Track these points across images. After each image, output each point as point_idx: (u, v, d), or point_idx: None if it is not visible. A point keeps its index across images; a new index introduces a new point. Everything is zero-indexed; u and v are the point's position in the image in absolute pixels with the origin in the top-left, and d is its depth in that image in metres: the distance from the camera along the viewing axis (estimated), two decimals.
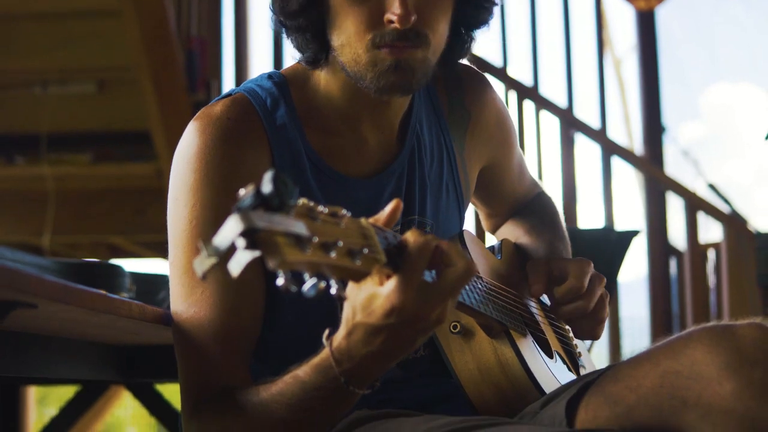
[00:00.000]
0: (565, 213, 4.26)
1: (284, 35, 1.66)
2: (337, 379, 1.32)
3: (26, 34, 4.25)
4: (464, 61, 1.82)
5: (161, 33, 3.91)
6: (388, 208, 1.28)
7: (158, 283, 2.58)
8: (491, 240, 2.04)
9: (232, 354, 1.54)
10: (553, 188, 4.36)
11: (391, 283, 1.22)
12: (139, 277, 2.56)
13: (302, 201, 1.10)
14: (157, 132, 4.07)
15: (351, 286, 1.26)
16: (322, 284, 1.11)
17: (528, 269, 1.77)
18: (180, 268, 1.56)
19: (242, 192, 1.04)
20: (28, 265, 2.20)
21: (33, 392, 4.25)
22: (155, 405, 3.01)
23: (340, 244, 1.10)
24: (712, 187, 4.84)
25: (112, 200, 4.49)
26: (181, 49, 4.10)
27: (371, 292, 1.24)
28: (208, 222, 1.54)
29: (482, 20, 1.69)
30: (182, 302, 1.55)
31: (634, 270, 5.14)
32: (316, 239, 1.07)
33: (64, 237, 4.43)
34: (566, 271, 1.73)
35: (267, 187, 1.03)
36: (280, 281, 1.06)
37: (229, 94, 1.66)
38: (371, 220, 1.23)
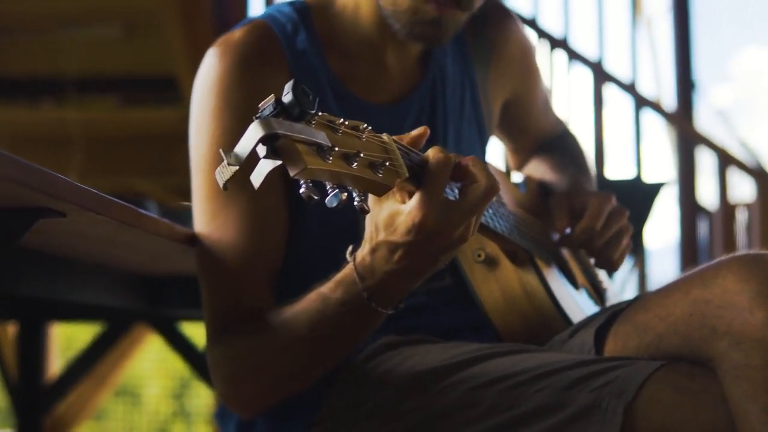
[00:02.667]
0: (595, 165, 4.25)
1: None
2: (360, 296, 1.30)
3: None
4: None
5: None
6: (415, 131, 1.26)
7: (187, 217, 2.57)
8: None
9: (257, 277, 1.53)
10: (583, 140, 4.31)
11: (413, 200, 1.21)
12: (167, 210, 2.54)
13: (323, 113, 1.08)
14: (184, 76, 4.03)
15: (373, 205, 1.25)
16: (344, 195, 1.08)
17: (551, 205, 1.75)
18: (203, 193, 1.55)
19: (262, 103, 1.03)
20: None
21: (57, 338, 4.26)
22: (179, 345, 3.01)
23: (362, 155, 1.08)
24: (743, 144, 4.79)
25: (137, 145, 4.47)
26: None
27: (393, 210, 1.23)
28: (229, 146, 1.52)
29: None
30: (205, 227, 1.54)
31: (662, 235, 5.10)
32: (337, 149, 1.05)
33: (89, 181, 4.41)
34: (586, 205, 1.70)
35: (287, 96, 1.02)
36: (302, 190, 1.03)
37: (249, 21, 1.65)
38: (395, 137, 1.21)
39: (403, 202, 1.23)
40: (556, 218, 1.72)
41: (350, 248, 1.32)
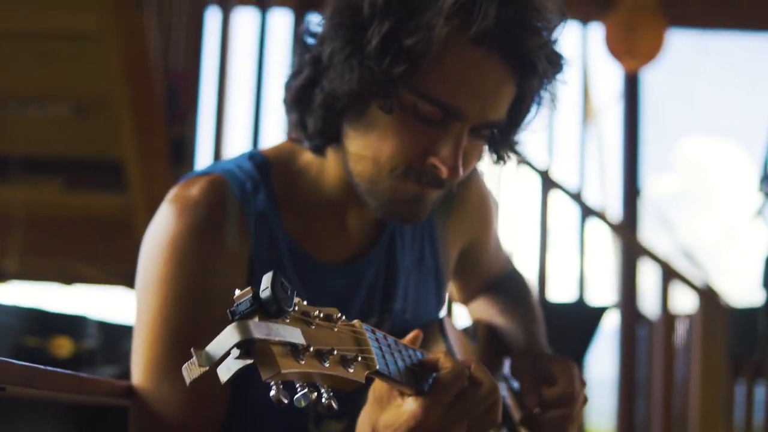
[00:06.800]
0: (538, 273, 4.27)
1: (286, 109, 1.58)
2: None
3: (5, 52, 4.17)
4: None
5: (143, 63, 3.83)
6: (410, 337, 1.31)
7: (124, 333, 2.53)
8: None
9: None
10: (527, 245, 4.34)
11: (417, 403, 1.23)
12: (105, 327, 2.51)
13: (297, 303, 1.06)
14: (131, 163, 4.00)
15: (372, 407, 1.28)
16: (314, 395, 1.05)
17: (514, 370, 1.69)
18: (145, 359, 1.52)
19: (238, 293, 0.99)
20: None
21: None
22: None
23: (335, 352, 1.06)
24: (686, 254, 4.84)
25: (80, 228, 4.40)
26: (163, 81, 4.04)
27: (397, 413, 1.25)
28: (179, 317, 1.49)
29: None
30: (144, 387, 1.51)
31: (603, 340, 5.14)
32: (311, 348, 1.02)
33: (31, 260, 4.34)
34: (553, 373, 1.64)
35: (265, 292, 0.98)
36: (273, 393, 1.00)
37: (207, 173, 1.60)
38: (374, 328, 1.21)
39: (401, 397, 1.25)
40: (524, 391, 1.64)
41: None
